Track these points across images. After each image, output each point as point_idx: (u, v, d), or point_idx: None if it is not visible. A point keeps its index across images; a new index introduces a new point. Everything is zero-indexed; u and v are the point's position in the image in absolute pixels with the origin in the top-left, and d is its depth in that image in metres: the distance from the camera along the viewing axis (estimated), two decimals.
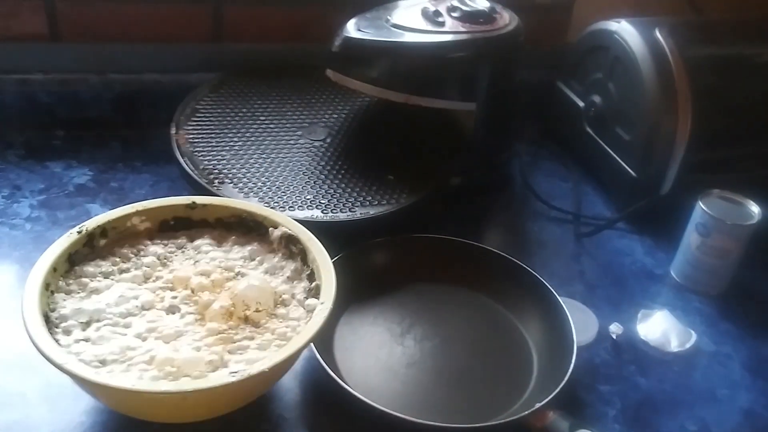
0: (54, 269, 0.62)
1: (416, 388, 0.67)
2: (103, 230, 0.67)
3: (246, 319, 0.62)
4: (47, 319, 0.58)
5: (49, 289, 0.61)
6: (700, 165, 0.89)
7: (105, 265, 0.66)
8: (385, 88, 0.86)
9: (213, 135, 0.90)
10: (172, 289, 0.65)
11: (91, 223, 0.67)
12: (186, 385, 0.54)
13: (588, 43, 1.02)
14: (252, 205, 0.73)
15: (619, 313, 0.79)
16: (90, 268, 0.65)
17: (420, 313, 0.75)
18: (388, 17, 0.88)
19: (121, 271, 0.66)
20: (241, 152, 0.88)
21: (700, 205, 0.81)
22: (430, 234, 0.81)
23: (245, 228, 0.71)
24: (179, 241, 0.70)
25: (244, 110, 0.96)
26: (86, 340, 0.58)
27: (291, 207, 0.80)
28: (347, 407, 0.62)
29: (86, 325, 0.60)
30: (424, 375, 0.68)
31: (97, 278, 0.65)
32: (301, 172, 0.86)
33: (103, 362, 0.56)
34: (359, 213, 0.81)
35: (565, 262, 0.87)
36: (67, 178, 0.90)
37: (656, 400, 0.70)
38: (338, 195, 0.83)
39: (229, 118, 0.94)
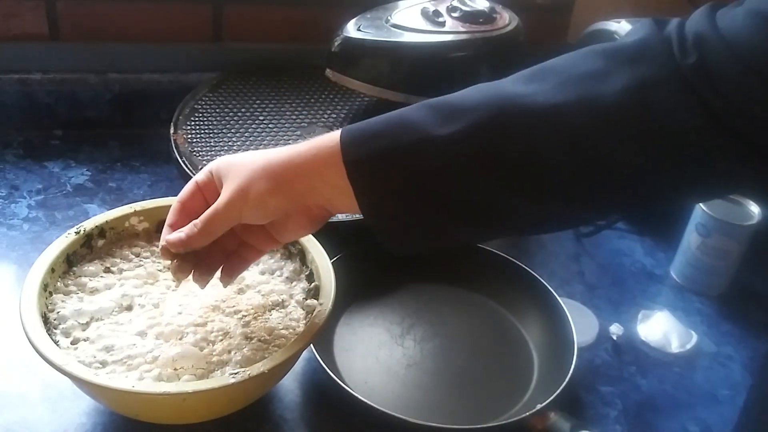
0: (52, 270, 0.62)
1: (416, 389, 0.67)
2: (101, 231, 0.67)
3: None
4: (46, 320, 0.58)
5: (47, 290, 0.61)
6: None
7: (103, 266, 0.66)
8: (385, 88, 0.86)
9: (212, 135, 0.90)
10: (170, 289, 0.64)
11: (89, 224, 0.66)
12: (186, 386, 0.53)
13: (588, 43, 1.00)
14: None
15: (619, 313, 0.79)
16: (88, 269, 0.65)
17: (420, 314, 0.75)
18: (388, 17, 0.88)
19: (120, 272, 0.66)
20: (240, 152, 0.88)
21: (700, 205, 0.81)
22: None
23: None
24: None
25: (243, 110, 0.95)
26: (86, 340, 0.58)
27: None
28: (347, 408, 0.62)
29: (85, 325, 0.60)
30: (424, 376, 0.68)
31: (96, 279, 0.64)
32: None
33: (103, 363, 0.56)
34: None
35: (565, 263, 0.87)
36: (65, 178, 0.90)
37: (657, 401, 0.69)
38: None
39: (228, 118, 0.94)
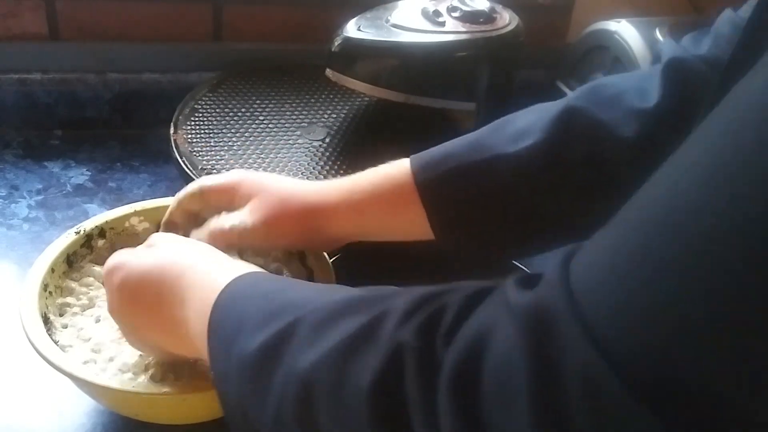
0: (52, 270, 0.62)
1: None
2: (101, 231, 0.67)
3: None
4: (46, 320, 0.58)
5: (47, 290, 0.61)
6: None
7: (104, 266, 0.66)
8: (385, 88, 0.86)
9: (212, 135, 0.90)
10: None
11: (89, 224, 0.66)
12: (186, 386, 0.53)
13: (588, 43, 1.01)
14: None
15: None
16: (88, 269, 0.65)
17: None
18: (388, 17, 0.88)
19: None
20: (239, 152, 0.88)
21: None
22: None
23: None
24: None
25: (243, 110, 0.95)
26: (86, 340, 0.58)
27: None
28: None
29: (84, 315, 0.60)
30: None
31: (96, 279, 0.64)
32: (300, 172, 0.86)
33: (96, 354, 0.56)
34: None
35: None
36: (65, 178, 0.90)
37: None
38: None
39: (227, 118, 0.93)
